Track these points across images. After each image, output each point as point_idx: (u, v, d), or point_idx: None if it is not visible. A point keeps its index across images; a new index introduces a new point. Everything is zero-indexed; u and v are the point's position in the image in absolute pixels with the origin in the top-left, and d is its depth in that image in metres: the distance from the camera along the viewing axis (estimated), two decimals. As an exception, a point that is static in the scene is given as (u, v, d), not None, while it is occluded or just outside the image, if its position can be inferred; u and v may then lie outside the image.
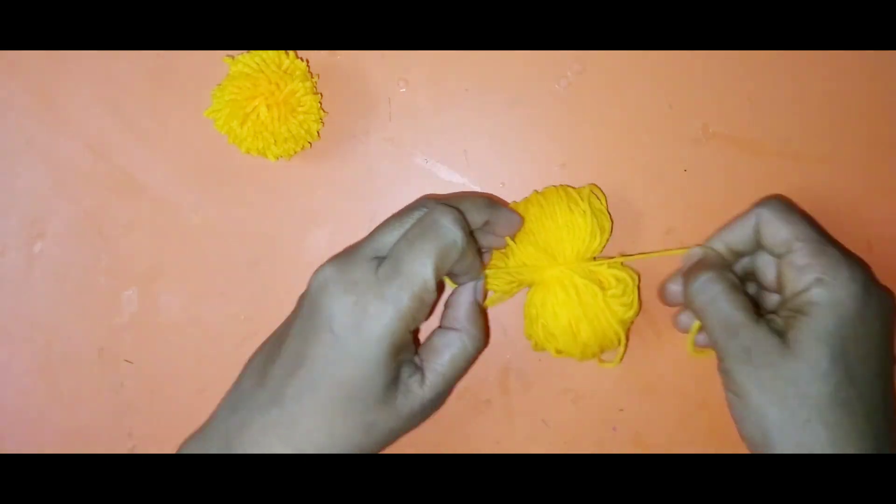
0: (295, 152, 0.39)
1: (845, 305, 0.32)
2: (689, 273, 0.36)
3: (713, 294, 0.34)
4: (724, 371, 0.34)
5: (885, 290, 0.35)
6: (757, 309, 0.34)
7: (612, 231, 0.39)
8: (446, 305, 0.37)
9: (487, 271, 0.37)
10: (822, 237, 0.34)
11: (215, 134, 0.38)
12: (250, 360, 0.36)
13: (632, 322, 0.38)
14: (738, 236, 0.36)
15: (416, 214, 0.34)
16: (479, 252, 0.36)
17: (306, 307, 0.34)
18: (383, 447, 0.34)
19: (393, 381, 0.33)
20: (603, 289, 0.37)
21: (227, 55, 0.39)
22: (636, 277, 0.38)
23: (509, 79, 0.41)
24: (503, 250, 0.38)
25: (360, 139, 0.41)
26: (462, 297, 0.36)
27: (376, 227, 0.35)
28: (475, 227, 0.36)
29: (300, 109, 0.38)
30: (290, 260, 0.41)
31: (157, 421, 0.41)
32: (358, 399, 0.32)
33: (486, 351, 0.41)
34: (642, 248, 0.40)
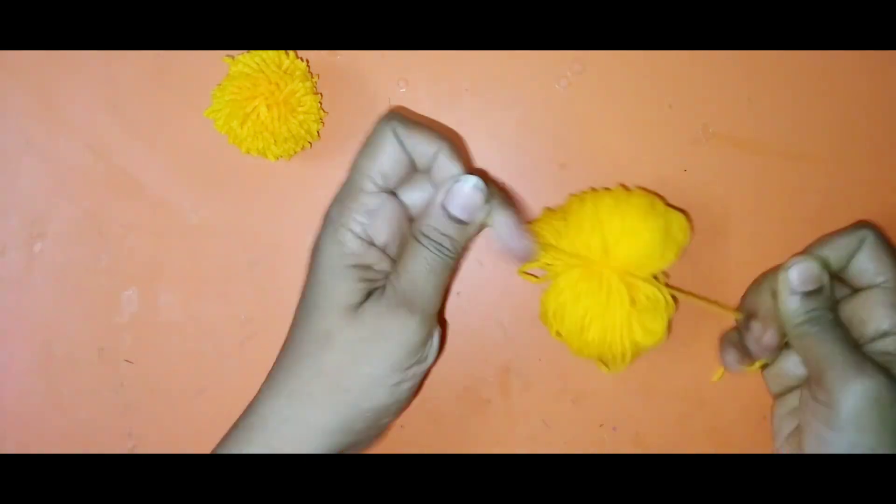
0: (295, 152, 0.39)
1: None
2: (814, 287, 0.34)
3: (827, 323, 0.34)
4: (832, 389, 0.32)
5: None
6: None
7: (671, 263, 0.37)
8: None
9: (536, 234, 0.35)
10: None
11: (215, 134, 0.38)
12: None
13: (646, 351, 0.36)
14: (838, 255, 0.35)
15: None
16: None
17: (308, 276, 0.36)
18: (369, 376, 0.33)
19: (358, 302, 0.33)
20: (633, 303, 0.35)
21: (227, 55, 0.39)
22: (672, 307, 0.36)
23: (509, 79, 0.41)
24: (555, 226, 0.36)
25: (360, 139, 0.41)
26: (427, 198, 0.35)
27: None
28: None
29: (300, 109, 0.38)
30: (290, 260, 0.41)
31: (157, 421, 0.41)
32: (328, 305, 0.33)
33: (486, 351, 0.41)
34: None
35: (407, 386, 0.34)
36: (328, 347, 0.33)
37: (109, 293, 0.41)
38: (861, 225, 0.36)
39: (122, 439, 0.41)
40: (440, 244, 0.33)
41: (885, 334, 0.33)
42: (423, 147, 0.34)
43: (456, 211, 0.33)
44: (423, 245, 0.33)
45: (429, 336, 0.34)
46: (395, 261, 0.35)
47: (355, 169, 0.34)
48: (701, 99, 0.40)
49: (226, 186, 0.41)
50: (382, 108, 0.41)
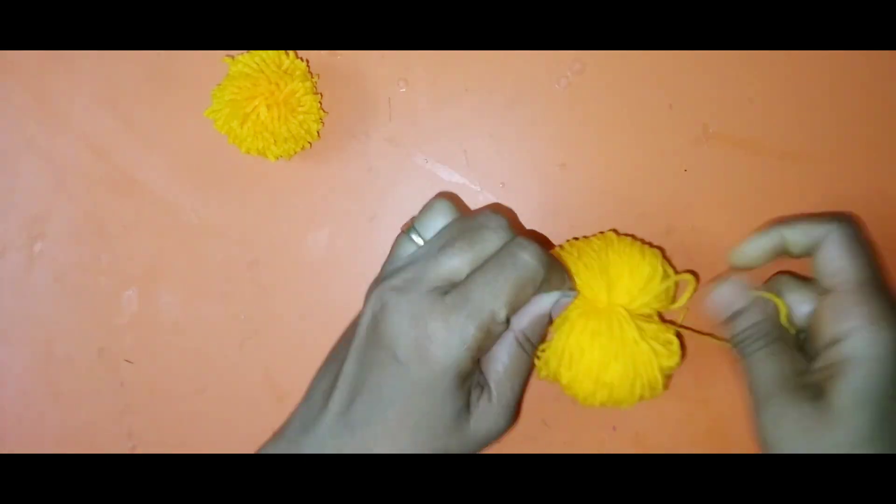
0: (295, 152, 0.39)
1: (886, 361, 0.30)
2: (736, 310, 0.35)
3: (756, 347, 0.33)
4: (756, 424, 0.33)
5: None
6: (802, 358, 0.33)
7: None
8: None
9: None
10: (878, 277, 0.32)
11: (215, 134, 0.38)
12: (314, 380, 0.35)
13: (672, 371, 0.36)
14: (797, 241, 0.35)
15: (488, 237, 0.32)
16: (567, 271, 0.35)
17: (366, 333, 0.32)
18: None
19: (463, 408, 0.32)
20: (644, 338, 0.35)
21: (227, 55, 0.39)
22: (677, 345, 0.36)
23: (509, 79, 0.41)
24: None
25: (360, 139, 0.41)
26: (533, 307, 0.34)
27: (440, 247, 0.33)
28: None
29: (300, 109, 0.38)
30: (290, 260, 0.41)
31: (157, 421, 0.41)
32: (427, 428, 0.31)
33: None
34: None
35: None
36: (441, 449, 0.32)
37: (109, 293, 0.41)
38: (835, 217, 0.34)
39: (122, 439, 0.41)
40: (535, 348, 0.34)
41: (830, 344, 0.32)
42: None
43: (554, 313, 0.34)
44: (525, 350, 0.34)
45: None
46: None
47: (508, 300, 0.31)
48: (701, 99, 0.40)
49: (226, 186, 0.41)
50: (382, 108, 0.41)
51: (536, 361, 0.36)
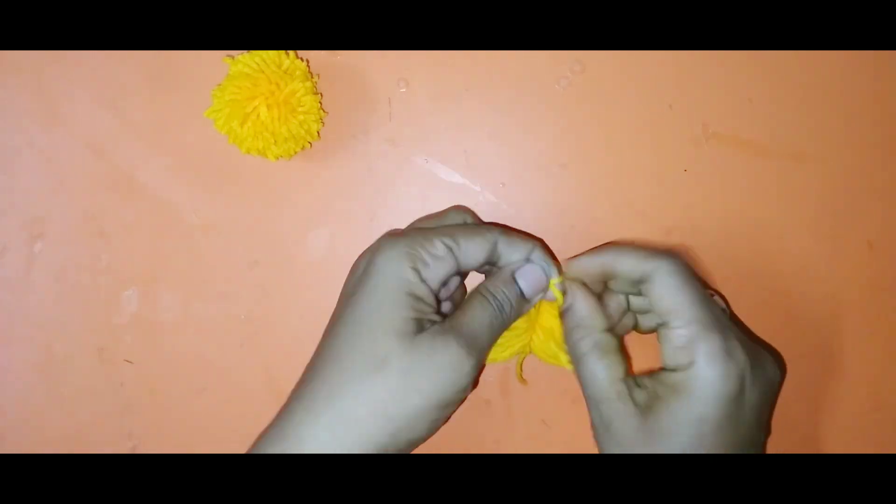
0: (295, 152, 0.39)
1: (715, 398, 0.31)
2: (567, 317, 0.35)
3: (584, 351, 0.34)
4: (591, 420, 0.34)
5: (770, 369, 0.33)
6: (627, 370, 0.34)
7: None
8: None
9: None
10: (710, 313, 0.32)
11: (215, 134, 0.38)
12: None
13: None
14: (626, 271, 0.35)
15: (488, 237, 0.35)
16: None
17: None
18: (424, 405, 0.33)
19: (410, 320, 0.32)
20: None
21: (227, 55, 0.39)
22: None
23: (509, 79, 0.41)
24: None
25: (360, 139, 0.41)
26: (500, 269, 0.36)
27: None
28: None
29: (300, 109, 0.38)
30: (290, 260, 0.41)
31: (157, 421, 0.41)
32: (374, 329, 0.32)
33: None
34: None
35: (439, 424, 0.34)
36: (383, 372, 0.31)
37: (109, 293, 0.41)
38: (663, 253, 0.34)
39: (122, 439, 0.41)
40: (502, 304, 0.35)
41: (673, 370, 0.32)
42: (513, 253, 0.36)
43: (523, 284, 0.35)
44: (489, 300, 0.34)
45: (474, 379, 0.34)
46: (439, 303, 0.35)
47: (441, 228, 0.36)
48: (701, 99, 0.40)
49: (226, 186, 0.41)
50: (382, 108, 0.41)
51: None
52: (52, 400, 0.41)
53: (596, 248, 0.37)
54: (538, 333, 0.38)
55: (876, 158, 0.40)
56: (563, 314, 0.36)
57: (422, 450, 0.40)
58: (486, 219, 0.40)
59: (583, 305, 0.35)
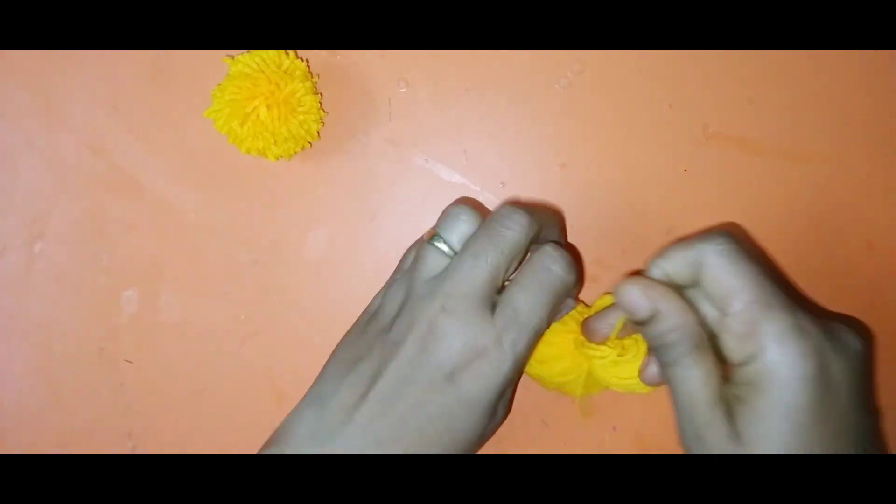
0: (295, 152, 0.39)
1: (797, 382, 0.28)
2: (653, 313, 0.31)
3: (679, 353, 0.30)
4: (679, 429, 0.31)
5: (851, 340, 0.29)
6: (723, 370, 0.30)
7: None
8: None
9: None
10: (771, 290, 0.29)
11: (215, 134, 0.38)
12: (323, 386, 0.34)
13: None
14: (678, 271, 0.31)
15: (516, 238, 0.32)
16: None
17: (414, 353, 0.32)
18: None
19: (494, 413, 0.33)
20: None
21: (227, 55, 0.39)
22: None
23: (509, 79, 0.41)
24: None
25: (360, 139, 0.41)
26: None
27: (474, 256, 0.32)
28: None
29: (300, 109, 0.38)
30: (290, 260, 0.41)
31: (157, 421, 0.41)
32: (464, 441, 0.32)
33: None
34: (642, 247, 0.40)
35: None
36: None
37: (109, 293, 0.41)
38: (709, 236, 0.31)
39: (122, 439, 0.41)
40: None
41: (743, 363, 0.29)
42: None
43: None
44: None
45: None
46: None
47: (549, 313, 0.33)
48: (701, 99, 0.40)
49: (226, 186, 0.41)
50: (382, 108, 0.41)
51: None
52: (52, 400, 0.41)
53: (634, 275, 0.32)
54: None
55: (876, 158, 0.40)
56: (645, 321, 0.31)
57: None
58: (486, 219, 0.40)
59: (671, 306, 0.31)
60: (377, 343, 0.33)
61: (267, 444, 0.33)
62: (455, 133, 0.41)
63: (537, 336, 0.33)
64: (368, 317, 0.35)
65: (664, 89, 0.40)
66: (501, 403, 0.34)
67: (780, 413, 0.28)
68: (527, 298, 0.32)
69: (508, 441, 0.41)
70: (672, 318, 0.31)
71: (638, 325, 0.32)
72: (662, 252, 0.32)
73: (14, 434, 0.41)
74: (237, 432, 0.41)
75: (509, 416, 0.41)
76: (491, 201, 0.41)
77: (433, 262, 0.34)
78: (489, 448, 0.41)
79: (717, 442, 0.29)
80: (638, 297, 0.31)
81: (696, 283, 0.31)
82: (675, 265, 0.31)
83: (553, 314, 0.33)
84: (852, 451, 0.29)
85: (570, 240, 0.40)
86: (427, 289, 0.33)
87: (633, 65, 0.40)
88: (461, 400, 0.32)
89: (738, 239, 0.31)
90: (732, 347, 0.30)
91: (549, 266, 0.33)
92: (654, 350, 0.32)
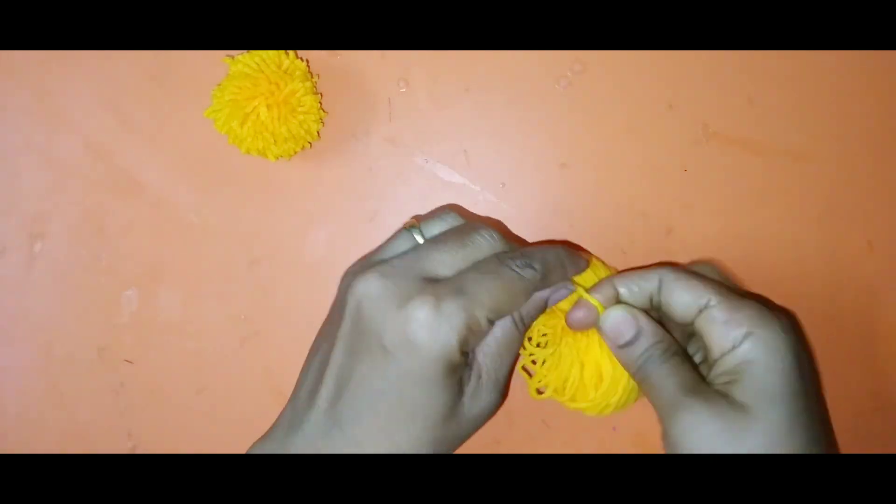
0: (295, 152, 0.39)
1: (786, 357, 0.31)
2: (631, 336, 0.33)
3: (656, 365, 0.33)
4: (670, 434, 0.32)
5: (791, 319, 0.33)
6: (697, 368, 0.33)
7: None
8: None
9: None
10: (728, 287, 0.33)
11: (215, 134, 0.38)
12: (301, 374, 0.34)
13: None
14: (639, 298, 0.34)
15: (480, 242, 0.33)
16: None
17: (350, 320, 0.32)
18: (453, 449, 0.34)
19: (456, 394, 0.32)
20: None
21: (227, 55, 0.39)
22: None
23: (509, 79, 0.41)
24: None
25: (360, 139, 0.41)
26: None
27: (427, 242, 0.34)
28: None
29: (300, 109, 0.38)
30: (290, 260, 0.41)
31: (157, 421, 0.41)
32: (421, 419, 0.31)
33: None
34: (642, 247, 0.40)
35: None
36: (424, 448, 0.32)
37: (109, 293, 0.41)
38: (654, 269, 0.34)
39: (122, 439, 0.41)
40: (527, 328, 0.34)
41: (724, 353, 0.32)
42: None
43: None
44: (518, 329, 0.33)
45: None
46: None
47: (497, 304, 0.32)
48: (701, 99, 0.40)
49: (226, 186, 0.41)
50: (382, 108, 0.41)
51: (529, 376, 0.38)
52: (52, 400, 0.41)
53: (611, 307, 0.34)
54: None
55: (876, 158, 0.40)
56: (628, 341, 0.33)
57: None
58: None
59: (650, 323, 0.33)
60: (326, 324, 0.34)
61: (257, 440, 0.34)
62: (455, 133, 0.41)
63: (478, 320, 0.31)
64: None
65: (664, 89, 0.40)
66: (456, 381, 0.32)
67: (777, 377, 0.30)
68: (478, 279, 0.31)
69: (508, 441, 0.41)
70: (655, 333, 0.33)
71: (621, 348, 0.34)
72: (618, 279, 0.34)
73: (14, 434, 0.41)
74: (237, 432, 0.41)
75: (509, 417, 0.41)
76: (491, 201, 0.41)
77: (399, 244, 0.34)
78: (489, 448, 0.41)
79: (715, 424, 0.30)
80: (623, 320, 0.33)
81: (652, 307, 0.34)
82: (632, 290, 0.34)
83: (504, 308, 0.32)
84: (824, 402, 0.34)
85: (569, 240, 0.40)
86: (375, 262, 0.33)
87: (633, 65, 0.40)
88: (403, 371, 0.30)
89: (682, 269, 0.34)
90: (718, 335, 0.32)
91: (514, 266, 0.32)
92: (636, 369, 0.33)
